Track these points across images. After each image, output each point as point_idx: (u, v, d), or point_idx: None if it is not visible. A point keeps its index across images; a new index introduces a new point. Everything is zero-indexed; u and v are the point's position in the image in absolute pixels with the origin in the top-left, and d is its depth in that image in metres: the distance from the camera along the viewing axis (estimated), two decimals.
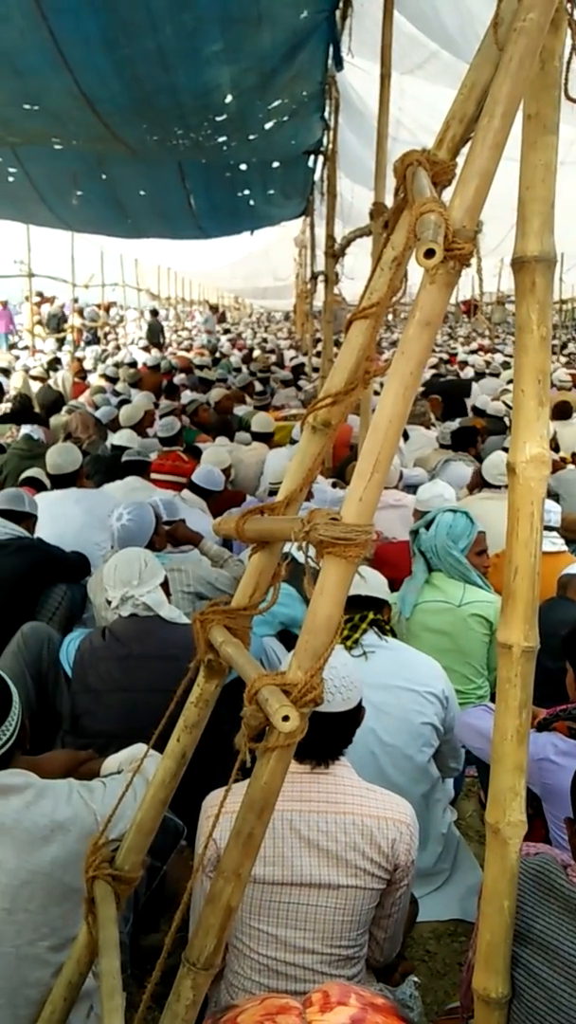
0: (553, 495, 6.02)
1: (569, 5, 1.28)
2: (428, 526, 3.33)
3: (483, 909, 1.54)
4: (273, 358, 16.43)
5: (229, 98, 5.38)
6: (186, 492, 5.00)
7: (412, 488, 5.12)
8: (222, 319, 29.36)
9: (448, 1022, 2.10)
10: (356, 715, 1.95)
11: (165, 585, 2.90)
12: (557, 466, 7.17)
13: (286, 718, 1.20)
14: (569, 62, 1.31)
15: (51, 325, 18.31)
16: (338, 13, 4.97)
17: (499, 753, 1.51)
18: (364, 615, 2.70)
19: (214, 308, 29.69)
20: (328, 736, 1.90)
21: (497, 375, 13.18)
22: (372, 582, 2.82)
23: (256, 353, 17.63)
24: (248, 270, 22.15)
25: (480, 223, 1.28)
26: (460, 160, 1.35)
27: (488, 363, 15.40)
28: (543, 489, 1.45)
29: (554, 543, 3.98)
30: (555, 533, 4.00)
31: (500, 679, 1.51)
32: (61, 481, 4.76)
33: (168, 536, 3.82)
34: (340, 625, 1.33)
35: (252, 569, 1.64)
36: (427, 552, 3.32)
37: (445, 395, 10.58)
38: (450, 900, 2.71)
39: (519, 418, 1.44)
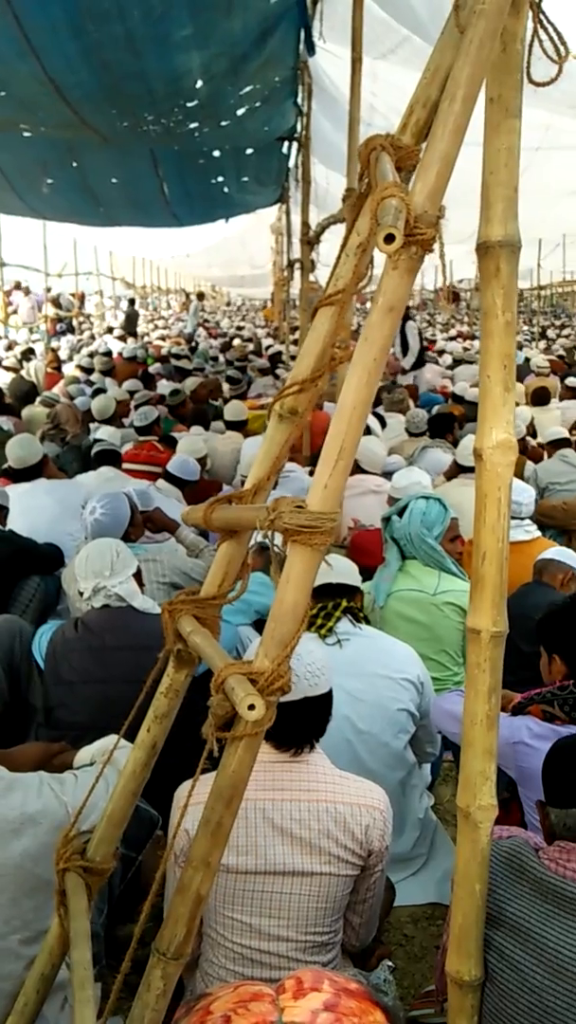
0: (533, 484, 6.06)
1: None
2: (400, 513, 3.33)
3: (455, 893, 1.55)
4: (251, 347, 16.38)
5: (199, 83, 5.34)
6: (161, 482, 4.98)
7: (389, 475, 5.12)
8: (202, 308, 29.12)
9: (424, 1005, 2.11)
10: (327, 701, 1.95)
11: (138, 575, 2.88)
12: (536, 453, 7.19)
13: (252, 707, 1.20)
14: (531, 45, 1.30)
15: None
16: None
17: (469, 738, 1.51)
18: (337, 603, 2.70)
19: (200, 295, 29.39)
20: (301, 723, 1.90)
21: (475, 362, 13.20)
22: (342, 569, 2.82)
23: (235, 342, 17.57)
24: (225, 258, 22.07)
25: (442, 208, 1.27)
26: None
27: (467, 349, 15.43)
28: (510, 474, 1.45)
29: (528, 531, 4.00)
30: (528, 521, 4.02)
31: (469, 664, 1.52)
32: (25, 474, 4.69)
33: (146, 522, 3.80)
34: (307, 613, 1.32)
35: (221, 558, 1.64)
36: (401, 540, 3.31)
37: None
38: (427, 884, 2.73)
39: (485, 404, 1.44)
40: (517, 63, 1.31)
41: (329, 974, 1.22)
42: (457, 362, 13.05)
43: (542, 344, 17.78)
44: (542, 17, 1.29)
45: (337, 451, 1.28)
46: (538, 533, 4.06)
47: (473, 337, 19.48)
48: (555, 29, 1.28)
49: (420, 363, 10.47)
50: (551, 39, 1.29)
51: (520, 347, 16.80)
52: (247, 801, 1.85)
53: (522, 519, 3.97)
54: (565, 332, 21.84)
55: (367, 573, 3.53)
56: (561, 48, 1.29)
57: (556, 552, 3.55)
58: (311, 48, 5.19)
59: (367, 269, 1.48)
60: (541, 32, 1.30)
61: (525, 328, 23.47)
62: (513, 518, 3.96)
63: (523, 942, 1.52)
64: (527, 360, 12.93)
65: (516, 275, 1.39)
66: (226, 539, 1.65)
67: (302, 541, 1.28)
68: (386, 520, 3.37)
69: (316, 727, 1.95)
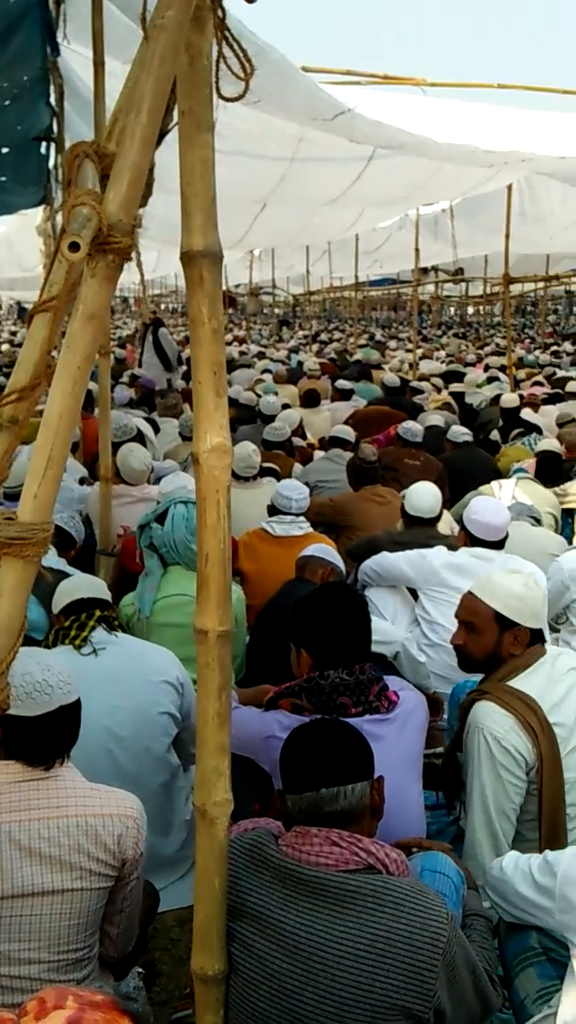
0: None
1: (212, 3, 1.31)
2: (159, 520, 3.29)
3: (196, 890, 1.58)
4: None
5: None
6: None
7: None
8: None
9: (187, 1006, 2.13)
10: (79, 708, 1.92)
11: None
12: (306, 453, 7.42)
13: None
14: (218, 61, 1.34)
15: None
16: None
17: (202, 736, 1.54)
18: (91, 613, 2.65)
19: None
20: (57, 734, 1.86)
21: (251, 366, 13.45)
22: (93, 585, 2.81)
23: (3, 347, 16.91)
24: None
25: (139, 217, 1.29)
26: None
27: (243, 353, 15.70)
28: (227, 477, 1.49)
29: (302, 527, 4.15)
30: (302, 518, 4.16)
31: (199, 664, 1.55)
32: None
33: None
34: (23, 627, 1.30)
35: None
36: (163, 547, 3.25)
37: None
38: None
39: (199, 409, 1.47)
40: (206, 78, 1.35)
41: (74, 990, 1.20)
42: (231, 365, 13.21)
43: (315, 347, 18.42)
44: (227, 35, 1.33)
45: (45, 461, 1.27)
46: (311, 528, 4.21)
47: (247, 340, 19.95)
48: (240, 47, 1.33)
49: (170, 367, 10.51)
50: (236, 56, 1.34)
51: (296, 351, 17.34)
52: None
53: (296, 516, 4.11)
54: (336, 336, 22.76)
55: (136, 579, 3.49)
56: (247, 65, 1.34)
57: (316, 549, 3.67)
58: (55, 48, 5.08)
59: (80, 275, 1.47)
60: (227, 49, 1.34)
61: (300, 332, 24.23)
62: (287, 514, 4.11)
63: (263, 930, 1.57)
64: (300, 363, 13.34)
65: (220, 283, 1.43)
66: None
67: (13, 553, 1.26)
68: (142, 528, 3.32)
69: (70, 736, 1.91)
